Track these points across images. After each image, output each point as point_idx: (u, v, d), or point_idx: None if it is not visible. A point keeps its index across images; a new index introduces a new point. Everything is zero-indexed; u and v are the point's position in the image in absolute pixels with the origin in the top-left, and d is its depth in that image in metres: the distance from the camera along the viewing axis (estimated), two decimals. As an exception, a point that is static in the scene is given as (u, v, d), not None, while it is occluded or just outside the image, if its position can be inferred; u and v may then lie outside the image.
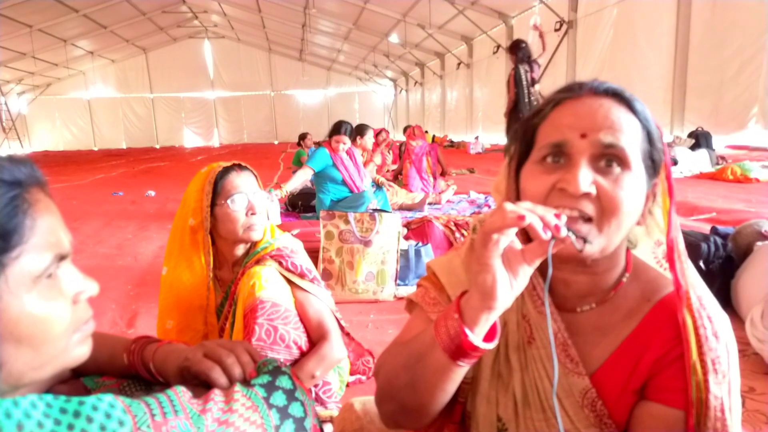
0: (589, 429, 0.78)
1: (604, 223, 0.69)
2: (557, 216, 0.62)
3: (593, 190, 0.68)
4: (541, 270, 0.69)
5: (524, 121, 0.79)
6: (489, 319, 0.66)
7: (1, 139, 22.02)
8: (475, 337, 0.65)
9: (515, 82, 6.55)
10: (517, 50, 6.67)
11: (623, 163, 0.70)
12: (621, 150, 0.69)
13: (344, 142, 4.63)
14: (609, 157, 0.70)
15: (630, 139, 0.70)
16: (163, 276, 1.64)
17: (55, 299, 0.60)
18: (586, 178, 0.68)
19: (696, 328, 0.71)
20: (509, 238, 0.63)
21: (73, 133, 26.73)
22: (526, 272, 0.65)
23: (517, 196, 0.79)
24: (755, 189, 5.79)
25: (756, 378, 1.81)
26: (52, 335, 0.59)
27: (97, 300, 2.95)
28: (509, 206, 0.61)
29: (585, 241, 0.68)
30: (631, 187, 0.70)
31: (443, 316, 0.69)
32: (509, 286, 0.65)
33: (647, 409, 0.75)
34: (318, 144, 9.73)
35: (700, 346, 0.70)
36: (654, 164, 0.74)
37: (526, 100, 6.51)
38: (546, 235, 0.61)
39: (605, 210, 0.69)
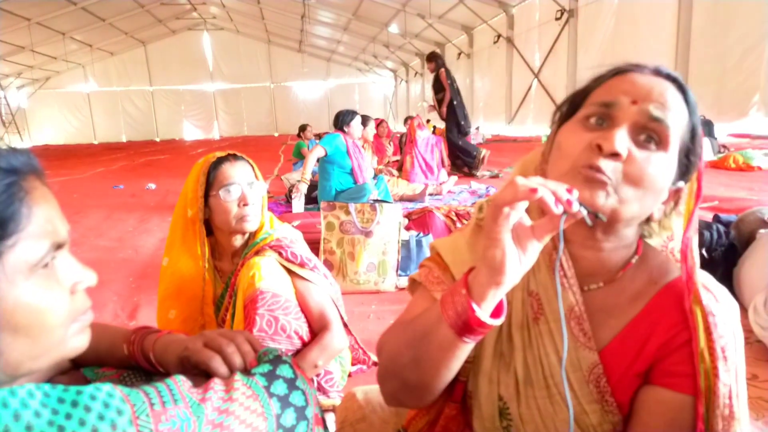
0: (591, 404, 0.78)
1: (621, 188, 0.69)
2: (569, 191, 0.61)
3: (625, 153, 0.69)
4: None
5: (581, 88, 0.80)
6: (497, 295, 0.65)
7: (1, 133, 22.01)
8: (483, 312, 0.65)
9: (446, 77, 7.01)
10: (436, 58, 7.33)
11: (662, 142, 0.70)
12: (665, 127, 0.70)
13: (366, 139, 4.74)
14: (650, 133, 0.70)
15: (676, 122, 0.71)
16: (164, 267, 1.63)
17: (52, 289, 0.59)
18: (623, 140, 0.69)
19: (705, 316, 0.70)
20: (519, 213, 0.62)
21: (73, 126, 26.65)
22: (535, 248, 0.64)
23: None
24: (757, 177, 5.78)
25: (759, 365, 1.81)
26: (49, 325, 0.59)
27: (99, 292, 2.95)
28: (521, 180, 0.60)
29: (597, 216, 0.67)
30: (661, 167, 0.70)
31: (450, 292, 0.68)
32: (518, 261, 0.64)
33: (654, 394, 0.75)
34: (318, 136, 9.73)
35: (709, 334, 0.70)
36: (688, 163, 0.74)
37: (458, 94, 7.04)
38: (558, 210, 0.60)
39: (628, 177, 0.69)
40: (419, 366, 0.72)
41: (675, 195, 0.76)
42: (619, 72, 0.76)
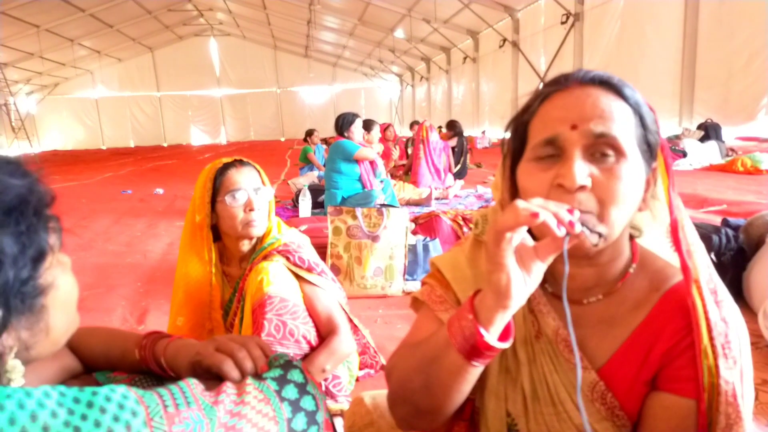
0: (601, 422, 0.77)
1: (604, 214, 0.68)
2: (570, 211, 0.61)
3: (589, 183, 0.67)
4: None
5: (515, 119, 0.78)
6: (504, 318, 0.65)
7: (11, 139, 22.18)
8: (491, 336, 0.65)
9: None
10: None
11: (617, 151, 0.68)
12: (613, 139, 0.68)
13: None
14: (602, 147, 0.68)
15: (622, 126, 0.69)
16: (179, 273, 1.64)
17: (67, 269, 0.65)
18: (581, 172, 0.67)
19: (705, 313, 0.70)
20: (521, 236, 0.63)
21: (81, 132, 26.88)
22: (539, 269, 0.65)
23: (513, 194, 0.79)
24: (766, 180, 5.74)
25: (769, 370, 1.79)
26: (74, 300, 0.66)
27: (107, 297, 2.94)
28: (522, 204, 0.60)
29: (600, 235, 0.67)
30: (628, 175, 0.69)
31: (457, 316, 0.68)
32: (523, 283, 0.64)
33: (659, 400, 0.74)
34: (325, 141, 9.73)
35: (709, 331, 0.69)
36: (650, 148, 0.73)
37: None
38: (560, 232, 0.60)
39: (603, 201, 0.68)
40: (430, 391, 0.72)
41: (653, 176, 0.75)
42: (544, 97, 0.74)
